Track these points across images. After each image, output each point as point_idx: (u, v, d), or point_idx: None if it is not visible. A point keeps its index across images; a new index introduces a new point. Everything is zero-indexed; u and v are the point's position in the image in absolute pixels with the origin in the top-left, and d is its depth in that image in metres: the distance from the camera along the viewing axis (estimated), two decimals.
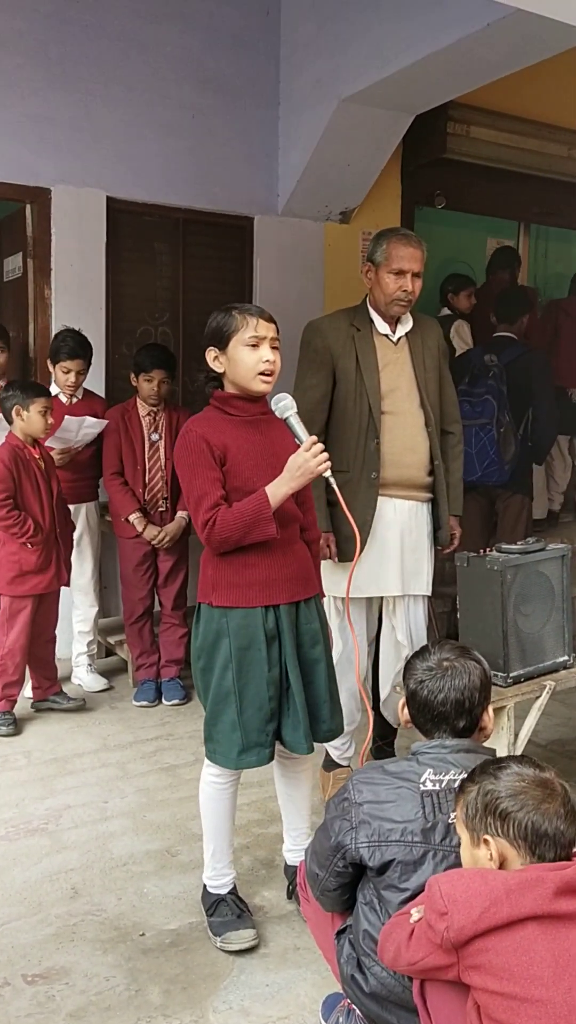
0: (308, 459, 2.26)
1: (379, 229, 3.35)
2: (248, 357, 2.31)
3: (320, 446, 2.29)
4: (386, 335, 3.17)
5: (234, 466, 2.32)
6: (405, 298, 3.07)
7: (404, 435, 3.12)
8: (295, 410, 2.34)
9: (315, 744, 2.43)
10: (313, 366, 3.14)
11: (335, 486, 2.36)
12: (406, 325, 3.20)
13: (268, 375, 2.33)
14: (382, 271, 3.07)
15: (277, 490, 2.27)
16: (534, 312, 5.83)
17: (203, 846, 2.57)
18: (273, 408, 2.35)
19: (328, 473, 2.30)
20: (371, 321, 3.16)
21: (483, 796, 1.59)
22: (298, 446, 2.31)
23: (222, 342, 2.34)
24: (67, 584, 4.07)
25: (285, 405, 2.33)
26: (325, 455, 2.28)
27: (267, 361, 2.31)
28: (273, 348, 2.34)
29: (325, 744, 3.16)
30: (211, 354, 2.37)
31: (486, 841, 1.57)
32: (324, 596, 2.61)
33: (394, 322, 3.17)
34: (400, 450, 3.11)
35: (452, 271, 6.09)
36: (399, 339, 3.18)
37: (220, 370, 2.38)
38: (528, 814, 1.54)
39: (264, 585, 2.33)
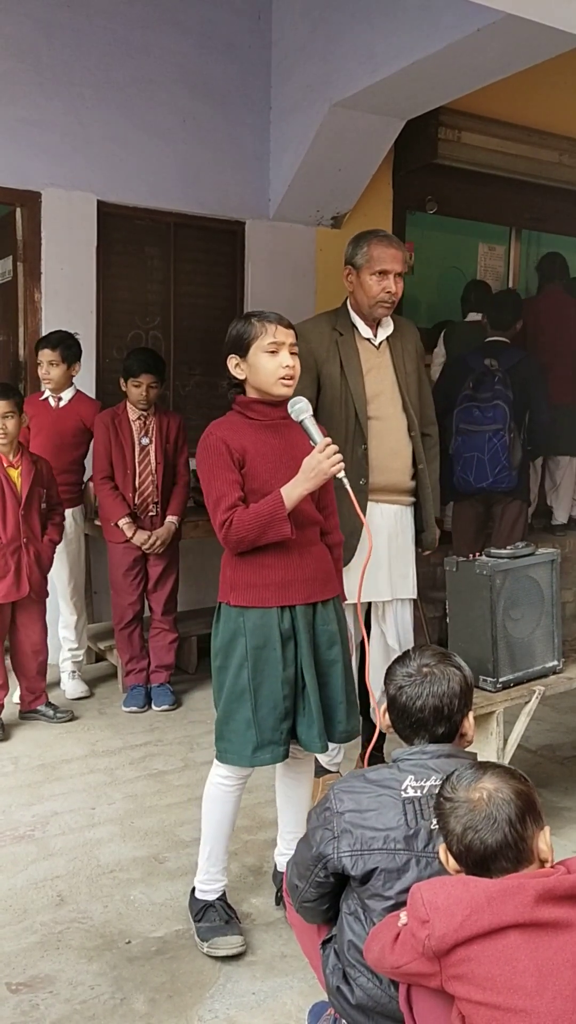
0: (321, 460, 2.29)
1: None
2: (268, 363, 2.35)
3: (334, 447, 2.31)
4: (368, 339, 3.15)
5: (253, 468, 2.36)
6: (388, 299, 3.06)
7: (389, 440, 3.11)
8: (310, 412, 2.36)
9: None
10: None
11: (348, 487, 2.37)
12: (387, 329, 3.18)
13: (288, 379, 2.37)
14: (364, 273, 3.05)
15: (292, 491, 2.30)
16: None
17: (199, 849, 2.54)
18: (289, 411, 2.38)
19: (342, 474, 2.32)
20: (353, 326, 3.14)
21: (438, 804, 1.62)
22: (313, 448, 2.33)
23: (242, 349, 2.38)
24: (33, 596, 3.94)
25: (300, 408, 2.36)
26: (339, 456, 2.31)
27: (287, 366, 2.36)
28: (292, 353, 2.38)
29: None
30: (232, 361, 2.42)
31: (445, 847, 1.59)
32: (345, 599, 2.61)
33: (375, 326, 3.16)
34: (386, 455, 3.10)
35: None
36: (381, 343, 3.17)
37: (242, 377, 2.42)
38: (457, 823, 1.55)
39: (280, 586, 2.36)
